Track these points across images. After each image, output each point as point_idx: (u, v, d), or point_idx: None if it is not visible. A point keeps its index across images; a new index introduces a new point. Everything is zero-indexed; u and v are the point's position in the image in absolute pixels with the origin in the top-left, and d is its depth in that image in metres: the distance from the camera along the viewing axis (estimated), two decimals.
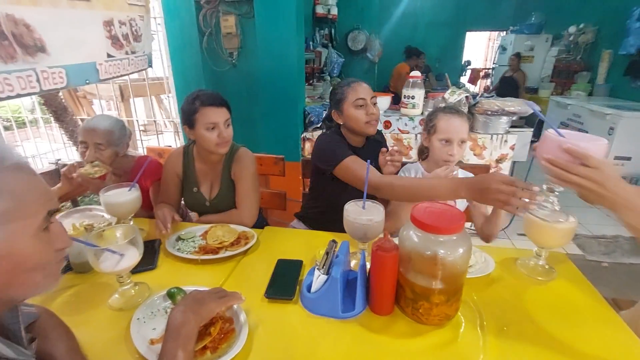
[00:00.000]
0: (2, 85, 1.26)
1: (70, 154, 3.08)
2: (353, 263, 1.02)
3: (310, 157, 2.42)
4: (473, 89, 6.15)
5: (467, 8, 5.87)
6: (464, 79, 6.42)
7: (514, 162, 2.90)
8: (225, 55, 2.39)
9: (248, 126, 2.42)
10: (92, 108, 3.16)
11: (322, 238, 1.19)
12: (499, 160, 2.53)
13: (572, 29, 4.96)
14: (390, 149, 1.34)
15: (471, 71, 6.53)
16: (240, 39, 2.34)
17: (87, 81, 1.64)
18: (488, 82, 6.66)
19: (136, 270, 0.93)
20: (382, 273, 0.81)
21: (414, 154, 2.52)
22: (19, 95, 1.32)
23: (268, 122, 2.42)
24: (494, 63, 6.64)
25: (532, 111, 2.41)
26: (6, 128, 3.07)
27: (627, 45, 4.05)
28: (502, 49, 6.00)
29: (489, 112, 2.45)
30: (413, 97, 2.44)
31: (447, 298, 0.78)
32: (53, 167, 1.83)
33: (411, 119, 2.50)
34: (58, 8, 1.46)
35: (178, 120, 2.93)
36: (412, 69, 4.58)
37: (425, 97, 2.55)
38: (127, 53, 1.87)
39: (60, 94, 2.38)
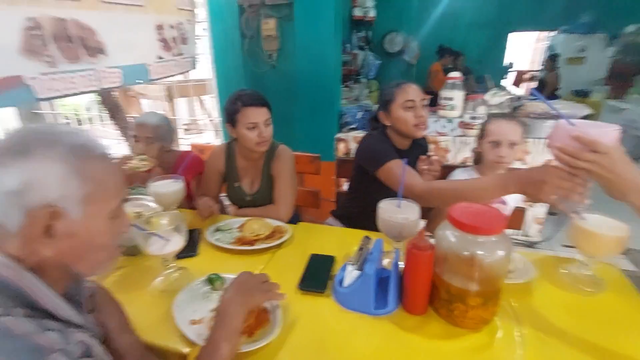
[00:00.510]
0: (68, 83, 1.39)
1: (122, 149, 3.32)
2: (386, 262, 1.01)
3: (344, 157, 2.44)
4: (516, 91, 5.86)
5: (511, 8, 5.59)
6: (505, 82, 6.13)
7: None
8: (265, 56, 2.47)
9: (285, 125, 2.47)
10: (140, 107, 3.39)
11: (355, 236, 1.19)
12: None
13: (630, 28, 4.58)
14: (429, 157, 1.31)
15: (516, 73, 6.23)
16: (280, 41, 2.40)
17: (139, 81, 1.77)
18: (535, 85, 6.31)
19: (179, 256, 0.99)
20: (416, 272, 0.80)
21: (451, 157, 2.45)
22: (82, 92, 1.45)
23: (305, 122, 2.46)
24: (542, 65, 6.28)
25: (580, 115, 2.27)
26: (78, 122, 3.38)
27: None
28: (551, 50, 5.66)
29: (533, 115, 2.33)
30: (452, 99, 2.38)
31: (484, 301, 0.76)
32: None
33: (449, 120, 2.43)
34: (116, 12, 1.59)
35: (218, 119, 3.07)
36: (444, 69, 4.48)
37: (465, 100, 2.48)
38: (174, 55, 1.99)
39: (115, 92, 2.58)
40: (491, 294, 0.76)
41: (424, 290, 0.81)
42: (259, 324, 0.77)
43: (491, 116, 1.37)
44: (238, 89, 1.34)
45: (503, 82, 5.99)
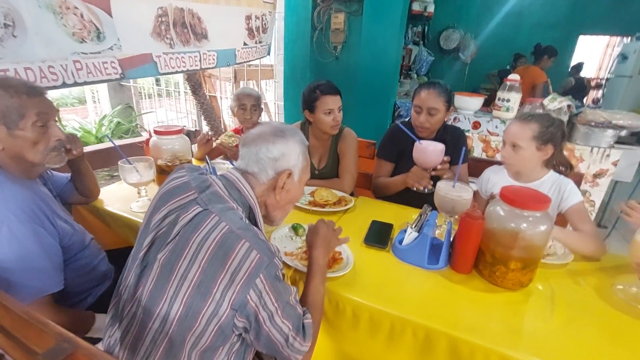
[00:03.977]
0: (180, 62, 1.69)
1: (189, 122, 3.72)
2: (437, 233, 1.19)
3: None
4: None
5: (584, 9, 5.26)
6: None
7: (615, 182, 2.68)
8: (330, 48, 2.67)
9: (343, 113, 2.67)
10: (214, 86, 3.75)
11: (409, 211, 1.39)
12: (596, 175, 2.39)
13: None
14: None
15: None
16: (346, 34, 2.59)
17: (228, 64, 2.05)
18: (599, 93, 5.95)
19: None
20: (466, 236, 0.97)
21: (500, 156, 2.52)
22: (188, 71, 1.76)
23: (361, 112, 2.64)
24: (609, 73, 5.89)
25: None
26: (149, 96, 3.85)
27: None
28: (623, 57, 5.29)
29: (593, 124, 2.32)
30: (508, 100, 2.44)
31: (523, 266, 0.92)
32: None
33: (503, 122, 2.50)
34: (219, 5, 1.86)
35: (279, 103, 3.33)
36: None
37: (521, 102, 2.52)
38: (256, 42, 2.25)
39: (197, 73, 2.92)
40: (530, 261, 0.92)
41: (471, 253, 0.99)
42: (335, 262, 1.00)
43: (516, 116, 1.29)
44: (314, 80, 1.54)
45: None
